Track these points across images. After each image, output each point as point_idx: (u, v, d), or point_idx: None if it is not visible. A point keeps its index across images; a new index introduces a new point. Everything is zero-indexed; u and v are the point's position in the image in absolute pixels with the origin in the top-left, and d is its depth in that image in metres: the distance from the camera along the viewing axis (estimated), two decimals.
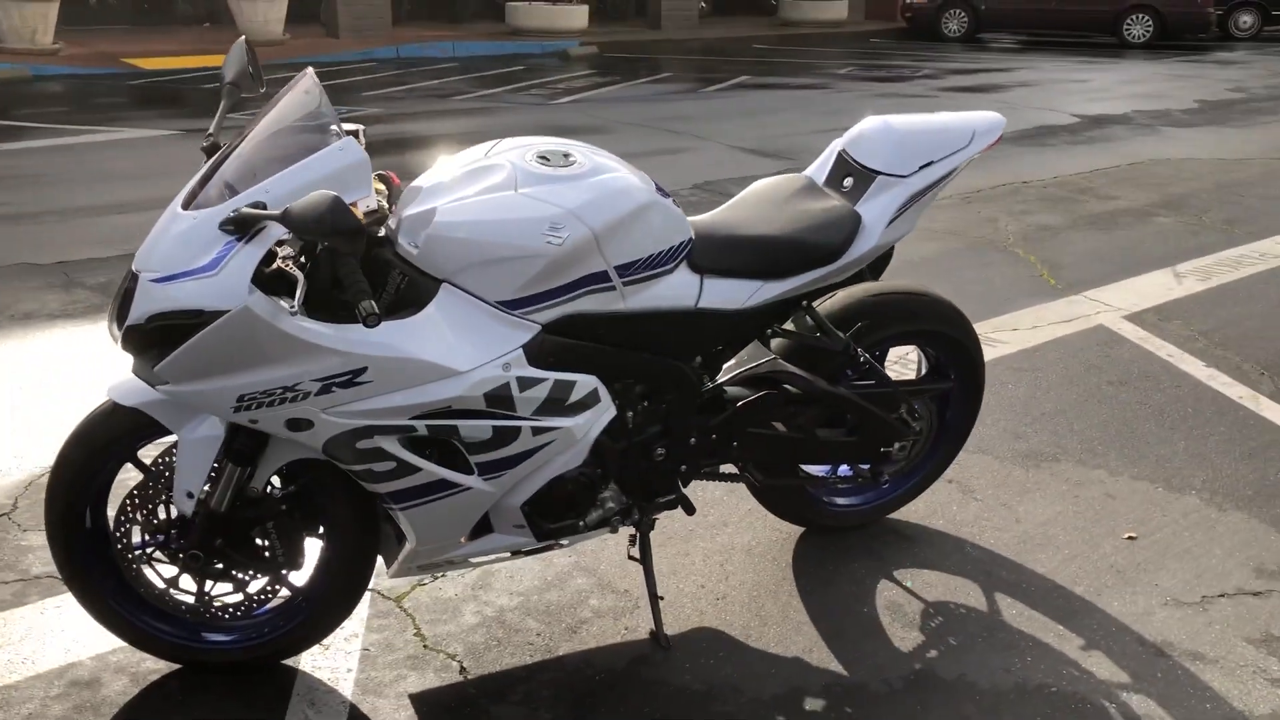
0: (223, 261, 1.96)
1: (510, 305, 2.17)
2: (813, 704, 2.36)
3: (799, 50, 17.35)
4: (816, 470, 2.91)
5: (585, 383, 2.25)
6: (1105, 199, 7.12)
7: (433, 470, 2.19)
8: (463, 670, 2.46)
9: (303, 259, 2.05)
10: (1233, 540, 3.01)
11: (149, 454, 2.31)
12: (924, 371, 3.00)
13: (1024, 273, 5.45)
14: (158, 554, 2.34)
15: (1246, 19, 20.83)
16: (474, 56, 15.56)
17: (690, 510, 2.58)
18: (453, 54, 15.72)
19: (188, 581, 2.36)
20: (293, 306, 1.91)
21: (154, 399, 2.18)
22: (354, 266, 1.93)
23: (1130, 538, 3.01)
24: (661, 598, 2.64)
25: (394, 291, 2.17)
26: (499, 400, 2.16)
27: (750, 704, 2.36)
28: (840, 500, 2.98)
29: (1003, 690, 2.41)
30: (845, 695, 2.39)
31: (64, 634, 2.56)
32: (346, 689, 2.40)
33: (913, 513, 3.11)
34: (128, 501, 2.30)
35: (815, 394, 2.59)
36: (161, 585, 2.37)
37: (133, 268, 2.04)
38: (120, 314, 2.08)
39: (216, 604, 2.39)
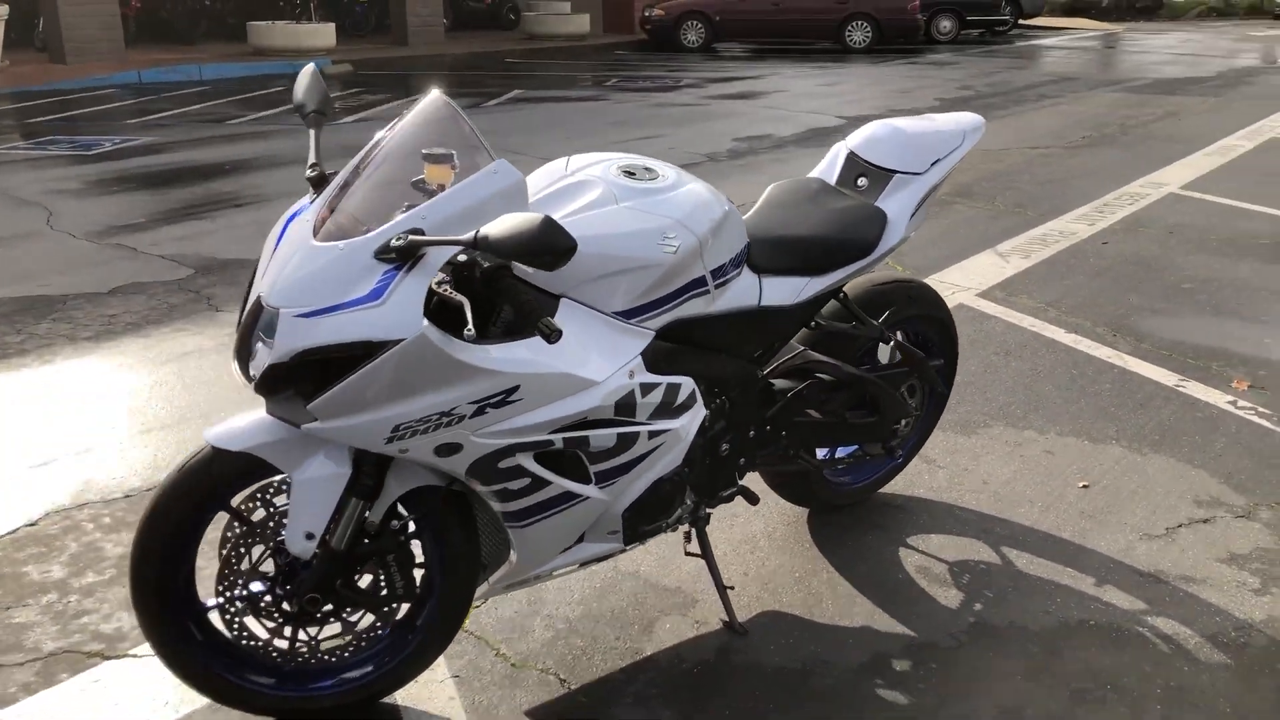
0: (387, 291, 1.92)
1: (626, 314, 2.24)
2: (900, 664, 2.55)
3: (553, 63, 17.61)
4: (821, 453, 3.10)
5: (686, 384, 2.34)
6: None
7: (561, 484, 2.22)
8: (563, 682, 2.49)
9: (447, 282, 2.04)
10: (1165, 479, 3.43)
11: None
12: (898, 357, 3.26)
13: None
14: (264, 603, 2.25)
15: (946, 24, 22.84)
16: (224, 79, 14.87)
17: (754, 500, 2.71)
18: (200, 77, 14.95)
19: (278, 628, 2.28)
20: (469, 331, 1.91)
21: (267, 441, 2.10)
22: (518, 287, 1.95)
23: (1084, 486, 3.38)
24: (731, 587, 2.77)
25: (513, 310, 2.18)
26: (625, 408, 2.22)
27: (844, 674, 2.52)
28: (843, 479, 3.19)
29: (1051, 630, 2.68)
30: (923, 653, 2.59)
31: (119, 708, 2.40)
32: (460, 716, 2.38)
33: (892, 486, 3.35)
34: (231, 553, 2.20)
35: (846, 379, 2.78)
36: (265, 635, 2.27)
37: (266, 303, 1.97)
38: (243, 352, 2.01)
39: (323, 648, 2.31)
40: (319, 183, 2.17)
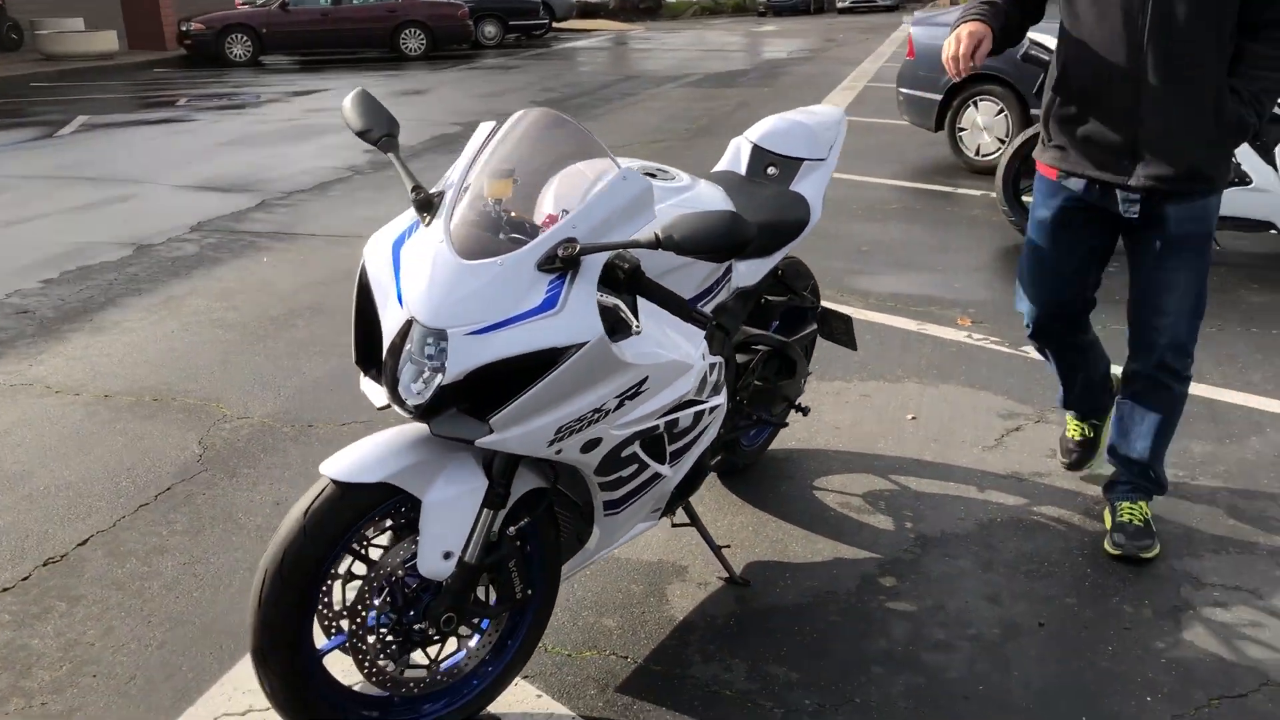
0: (560, 298, 1.99)
1: (692, 301, 2.43)
2: (886, 580, 2.94)
3: (92, 85, 16.21)
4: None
5: (719, 363, 2.58)
6: None
7: (655, 467, 2.37)
8: (627, 660, 2.63)
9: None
10: (965, 403, 4.11)
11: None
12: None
13: None
14: (390, 636, 2.20)
15: (491, 29, 23.63)
16: None
17: (740, 466, 2.98)
18: None
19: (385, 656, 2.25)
20: (637, 328, 2.03)
21: (403, 467, 2.09)
22: (657, 284, 2.11)
23: (912, 418, 3.97)
24: (726, 546, 3.02)
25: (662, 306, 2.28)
26: (701, 387, 2.42)
27: (849, 597, 2.87)
28: (745, 441, 3.53)
29: (975, 530, 3.20)
30: (896, 567, 3.00)
31: None
32: (564, 709, 2.46)
33: (788, 442, 3.75)
34: (365, 590, 2.14)
35: (778, 348, 3.13)
36: (394, 669, 2.22)
37: (428, 325, 1.96)
38: (393, 378, 2.00)
39: (442, 668, 2.30)
40: (425, 205, 2.16)
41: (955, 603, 2.84)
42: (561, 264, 2.01)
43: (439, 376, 1.98)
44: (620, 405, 2.16)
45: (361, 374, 2.21)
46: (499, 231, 2.10)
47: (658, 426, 2.30)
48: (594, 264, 2.05)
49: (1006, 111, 8.12)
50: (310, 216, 7.36)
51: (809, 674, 2.56)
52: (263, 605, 2.06)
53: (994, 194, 6.87)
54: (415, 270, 2.05)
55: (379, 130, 2.27)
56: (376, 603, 2.17)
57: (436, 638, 2.24)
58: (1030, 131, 6.21)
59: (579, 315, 2.01)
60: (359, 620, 2.15)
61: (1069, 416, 3.48)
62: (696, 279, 2.46)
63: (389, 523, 2.19)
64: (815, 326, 3.53)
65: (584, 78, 16.30)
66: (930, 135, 9.49)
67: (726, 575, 2.95)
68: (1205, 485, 3.39)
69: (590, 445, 2.17)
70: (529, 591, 2.35)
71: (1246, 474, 3.47)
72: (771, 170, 3.18)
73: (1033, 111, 7.90)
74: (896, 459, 3.64)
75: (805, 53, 20.45)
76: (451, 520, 2.13)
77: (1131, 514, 3.03)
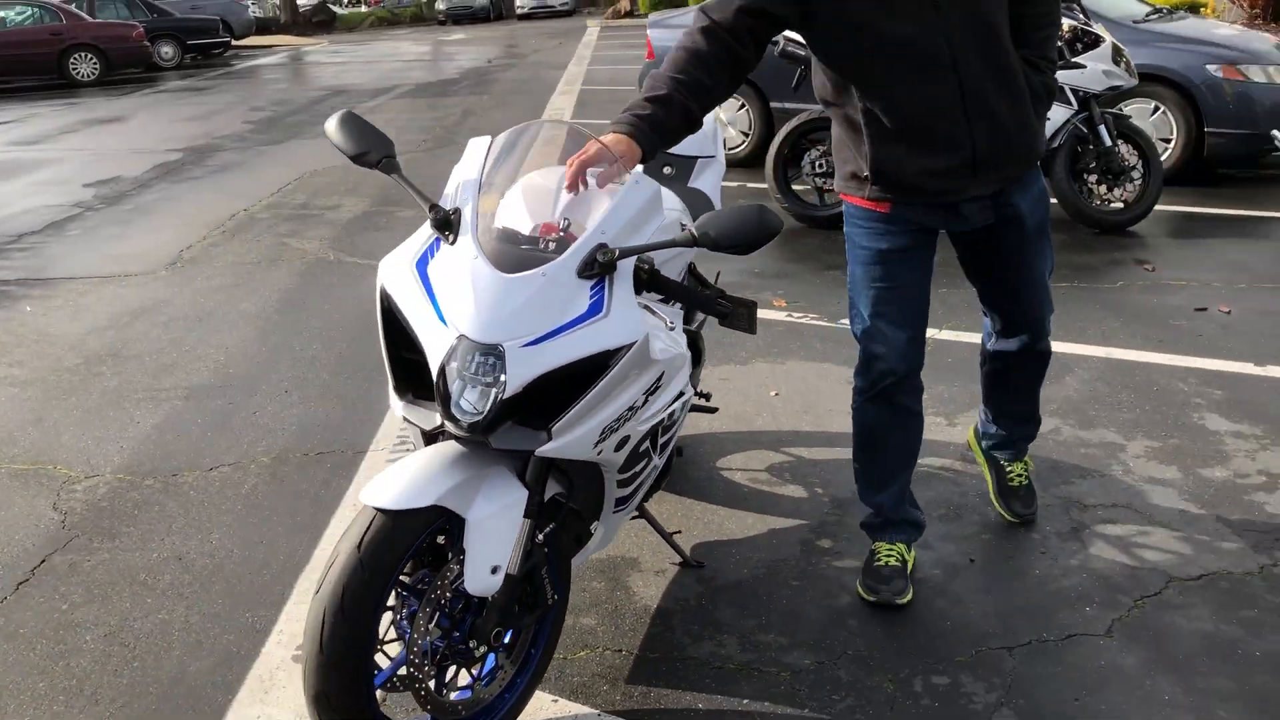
0: (604, 303, 2.05)
1: None
2: (824, 543, 3.16)
3: None
4: None
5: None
6: (337, 205, 7.94)
7: (656, 460, 2.46)
8: (627, 653, 2.70)
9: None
10: (816, 376, 4.41)
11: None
12: None
13: None
14: (444, 661, 2.17)
15: (168, 50, 22.26)
16: None
17: (678, 452, 3.10)
18: None
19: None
20: (671, 324, 2.12)
21: (450, 487, 2.07)
22: (675, 281, 2.21)
23: (776, 394, 4.23)
24: (678, 532, 3.13)
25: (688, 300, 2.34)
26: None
27: (800, 563, 3.06)
28: None
29: (928, 483, 3.47)
30: (830, 529, 3.22)
31: None
32: (585, 708, 2.50)
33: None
34: (420, 618, 2.10)
35: (692, 337, 3.28)
36: (444, 693, 2.19)
37: (482, 341, 1.97)
38: (445, 398, 1.99)
39: (484, 686, 2.29)
40: (444, 224, 2.14)
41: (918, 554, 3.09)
42: (600, 269, 2.07)
43: (494, 391, 1.99)
44: (645, 401, 2.24)
45: (397, 400, 2.17)
46: (521, 244, 2.13)
47: (662, 419, 2.39)
48: (627, 267, 2.12)
49: (748, 106, 8.60)
50: (57, 259, 6.78)
51: (796, 636, 2.73)
52: (325, 648, 1.99)
53: (753, 185, 7.29)
54: (453, 289, 2.05)
55: (377, 152, 2.23)
56: (429, 628, 2.14)
57: (479, 655, 2.23)
58: (796, 121, 6.66)
59: (625, 317, 2.07)
60: (415, 648, 2.11)
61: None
62: (676, 271, 2.56)
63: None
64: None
65: (290, 94, 15.73)
66: None
67: (680, 560, 3.06)
68: (1049, 423, 3.82)
69: (621, 443, 2.23)
70: (555, 597, 2.38)
71: (1076, 409, 3.95)
72: (667, 170, 3.31)
73: (773, 105, 8.42)
74: (779, 433, 3.87)
75: (506, 60, 20.61)
76: (497, 535, 2.13)
77: (1020, 477, 3.23)
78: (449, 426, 2.05)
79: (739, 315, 3.45)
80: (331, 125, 2.27)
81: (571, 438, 2.08)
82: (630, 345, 2.07)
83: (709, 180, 3.33)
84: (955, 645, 2.67)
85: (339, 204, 8.06)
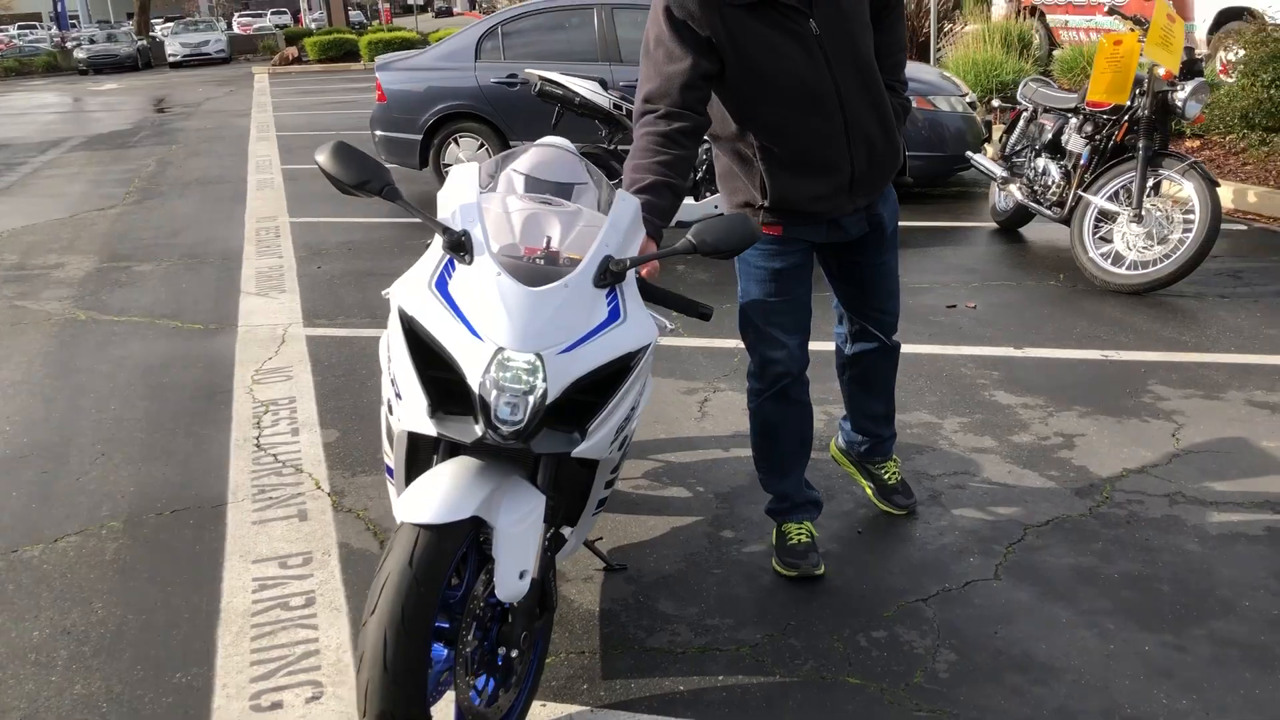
0: (620, 309, 2.20)
1: None
2: (727, 533, 3.40)
3: None
4: None
5: None
6: (60, 264, 7.38)
7: (620, 456, 2.62)
8: (588, 654, 2.82)
9: None
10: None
11: None
12: None
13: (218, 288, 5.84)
14: (479, 669, 2.23)
15: None
16: None
17: None
18: None
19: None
20: (671, 326, 2.30)
21: (485, 496, 2.15)
22: (662, 287, 2.39)
23: None
24: (599, 539, 3.27)
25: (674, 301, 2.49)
26: None
27: (716, 551, 3.29)
28: None
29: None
30: (729, 520, 3.47)
31: None
32: (576, 706, 2.60)
33: None
34: (463, 628, 2.15)
35: None
36: (480, 702, 2.24)
37: (520, 350, 2.07)
38: (485, 408, 2.08)
39: (505, 694, 2.35)
40: (458, 245, 2.20)
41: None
42: (612, 278, 2.23)
43: (530, 399, 2.09)
44: (639, 396, 2.40)
45: (427, 419, 2.20)
46: (533, 260, 2.25)
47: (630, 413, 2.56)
48: (632, 275, 2.29)
49: (487, 146, 8.78)
50: None
51: (740, 616, 2.95)
52: (391, 666, 2.01)
53: None
54: (482, 305, 2.13)
55: (378, 180, 2.26)
56: (469, 638, 2.19)
57: (512, 660, 2.30)
58: None
59: (640, 321, 2.24)
60: (461, 660, 2.16)
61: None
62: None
63: None
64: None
65: None
66: (414, 172, 9.78)
67: (605, 565, 3.21)
68: None
69: (624, 442, 2.38)
70: (557, 598, 2.48)
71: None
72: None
73: (513, 142, 8.64)
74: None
75: (182, 109, 19.58)
76: (523, 541, 2.21)
77: (894, 474, 3.54)
78: (489, 437, 2.12)
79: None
80: (324, 157, 2.27)
81: (599, 437, 2.21)
82: (648, 346, 2.23)
83: (584, 205, 3.50)
84: (878, 604, 2.98)
85: (61, 262, 7.49)
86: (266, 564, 3.33)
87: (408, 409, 2.22)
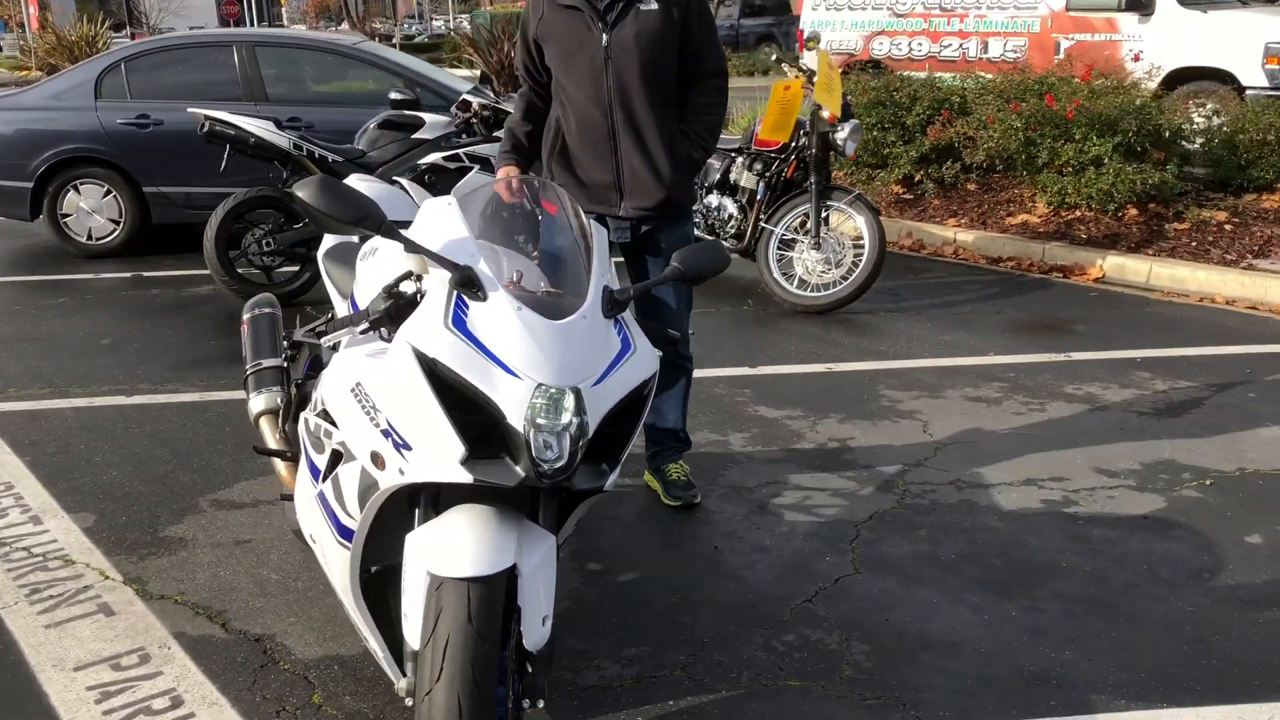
0: (629, 339, 2.19)
1: None
2: (602, 565, 3.39)
3: None
4: None
5: None
6: None
7: None
8: None
9: None
10: None
11: None
12: None
13: None
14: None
15: None
16: None
17: None
18: None
19: None
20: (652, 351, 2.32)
21: (515, 545, 2.08)
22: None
23: None
24: None
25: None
26: None
27: (590, 582, 3.27)
28: None
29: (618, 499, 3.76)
30: (603, 554, 3.46)
31: None
32: None
33: None
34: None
35: None
36: None
37: (559, 386, 2.01)
38: (526, 447, 2.00)
39: None
40: (468, 283, 2.08)
41: (656, 559, 3.44)
42: (617, 308, 2.21)
43: (568, 435, 2.04)
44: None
45: (460, 465, 2.03)
46: (539, 291, 2.18)
47: None
48: (628, 304, 2.28)
49: (115, 192, 7.95)
50: None
51: (655, 642, 2.97)
52: None
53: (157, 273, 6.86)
54: (510, 341, 2.04)
55: (376, 216, 2.08)
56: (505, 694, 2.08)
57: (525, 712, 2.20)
58: (232, 202, 6.44)
59: (646, 349, 2.24)
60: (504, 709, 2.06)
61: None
62: None
63: None
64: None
65: None
66: (23, 225, 8.56)
67: None
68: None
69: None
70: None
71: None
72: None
73: (146, 189, 7.89)
74: None
75: None
76: (544, 585, 2.15)
77: (678, 472, 3.82)
78: (530, 477, 2.03)
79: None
80: (310, 192, 2.06)
81: (618, 469, 2.18)
82: (655, 375, 2.23)
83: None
84: (772, 610, 3.13)
85: None
86: (95, 669, 2.87)
87: (428, 457, 2.05)
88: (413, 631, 2.10)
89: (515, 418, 2.00)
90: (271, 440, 3.13)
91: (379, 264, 2.55)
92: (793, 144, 6.48)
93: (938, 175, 8.51)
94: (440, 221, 2.24)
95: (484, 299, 2.10)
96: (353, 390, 2.21)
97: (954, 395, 4.85)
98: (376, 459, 2.15)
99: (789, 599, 3.18)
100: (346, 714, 2.69)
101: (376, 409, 2.12)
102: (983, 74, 9.15)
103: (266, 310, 3.40)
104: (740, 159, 6.85)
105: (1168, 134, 7.61)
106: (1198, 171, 7.92)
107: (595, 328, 2.14)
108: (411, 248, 2.15)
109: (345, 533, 2.30)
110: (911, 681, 2.79)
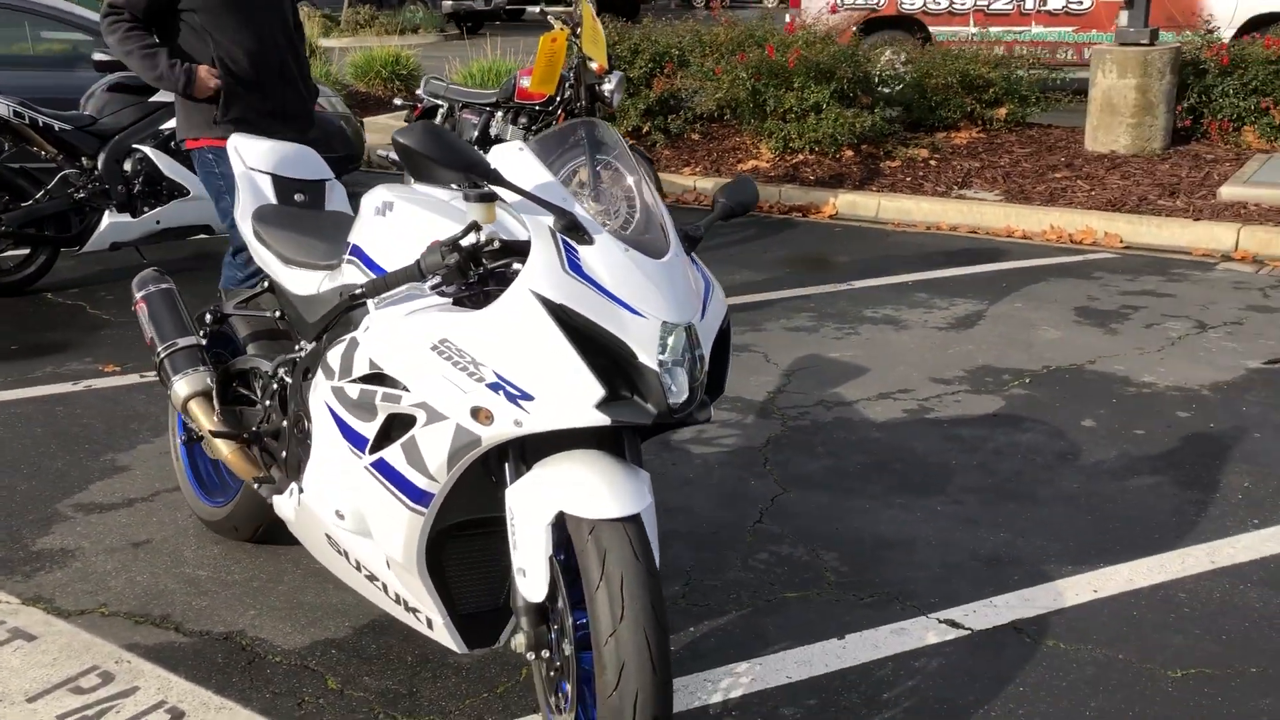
0: (704, 273, 2.24)
1: None
2: None
3: None
4: None
5: None
6: None
7: None
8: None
9: None
10: None
11: None
12: None
13: None
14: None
15: None
16: None
17: None
18: None
19: None
20: None
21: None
22: None
23: None
24: None
25: None
26: None
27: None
28: None
29: None
30: None
31: None
32: None
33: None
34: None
35: None
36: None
37: (679, 322, 2.03)
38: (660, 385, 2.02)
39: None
40: (573, 227, 2.03)
41: None
42: (690, 244, 2.25)
43: (695, 367, 2.07)
44: None
45: (596, 409, 1.98)
46: (628, 231, 2.17)
47: None
48: (699, 241, 2.33)
49: None
50: None
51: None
52: (659, 667, 1.95)
53: None
54: (628, 282, 2.03)
55: (484, 163, 1.98)
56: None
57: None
58: None
59: (717, 286, 2.29)
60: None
61: None
62: None
63: None
64: None
65: None
66: None
67: None
68: None
69: None
70: None
71: None
72: (299, 196, 3.06)
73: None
74: None
75: None
76: (654, 517, 2.17)
77: None
78: (664, 413, 2.03)
79: None
80: (416, 138, 1.92)
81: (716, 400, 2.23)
82: (728, 310, 2.29)
83: (339, 201, 3.16)
84: (735, 535, 3.26)
85: None
86: (52, 697, 2.55)
87: (556, 404, 1.99)
88: (535, 585, 2.06)
89: (648, 356, 1.99)
90: (208, 423, 2.87)
91: (402, 219, 2.38)
92: (558, 97, 6.52)
93: (663, 126, 8.84)
94: (520, 168, 2.16)
95: (590, 242, 2.06)
96: (435, 348, 2.09)
97: (774, 328, 5.15)
98: (479, 414, 2.06)
99: (742, 523, 3.33)
100: (374, 694, 2.56)
101: (478, 363, 2.04)
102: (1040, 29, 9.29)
103: (162, 286, 3.08)
104: (500, 114, 6.81)
105: (876, 81, 8.34)
106: (894, 114, 8.73)
107: (685, 264, 2.17)
108: (515, 191, 2.07)
109: (421, 498, 2.19)
110: (891, 577, 3.02)
